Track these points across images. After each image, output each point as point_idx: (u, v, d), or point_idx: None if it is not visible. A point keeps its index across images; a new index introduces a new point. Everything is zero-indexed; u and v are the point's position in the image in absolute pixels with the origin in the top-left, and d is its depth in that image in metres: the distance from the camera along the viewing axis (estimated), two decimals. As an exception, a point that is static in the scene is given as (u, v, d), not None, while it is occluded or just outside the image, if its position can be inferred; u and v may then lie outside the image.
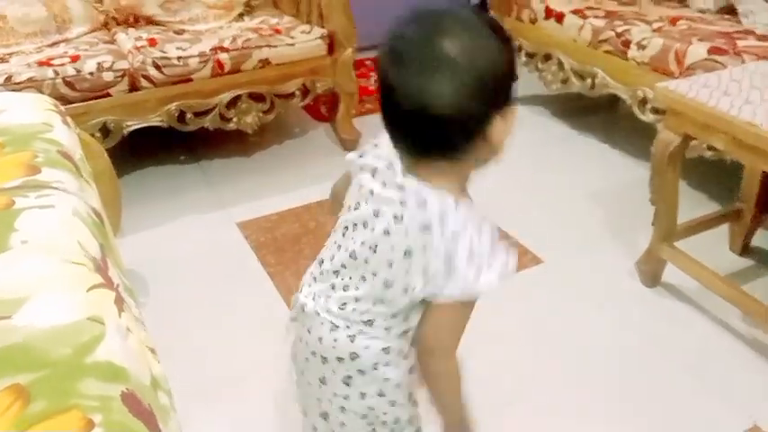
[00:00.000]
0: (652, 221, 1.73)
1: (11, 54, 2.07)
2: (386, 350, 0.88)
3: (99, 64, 2.00)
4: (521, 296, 1.75)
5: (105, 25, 2.39)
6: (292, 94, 2.31)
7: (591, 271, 1.87)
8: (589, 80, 2.35)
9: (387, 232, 0.82)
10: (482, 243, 0.79)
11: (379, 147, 0.88)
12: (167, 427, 0.81)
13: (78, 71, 1.97)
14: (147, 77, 2.05)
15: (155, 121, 2.11)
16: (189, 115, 2.15)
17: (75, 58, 2.00)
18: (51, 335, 0.78)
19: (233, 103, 2.21)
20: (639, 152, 2.40)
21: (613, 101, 2.66)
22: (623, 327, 1.67)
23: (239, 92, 2.20)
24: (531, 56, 2.65)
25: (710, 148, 1.87)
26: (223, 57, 2.14)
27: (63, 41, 2.22)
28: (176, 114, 2.13)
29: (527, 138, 2.55)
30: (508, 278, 0.79)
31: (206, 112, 2.18)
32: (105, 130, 2.04)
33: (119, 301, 0.92)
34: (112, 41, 2.24)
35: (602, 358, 1.58)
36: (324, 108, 2.72)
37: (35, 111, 1.42)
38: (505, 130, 0.78)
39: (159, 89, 2.08)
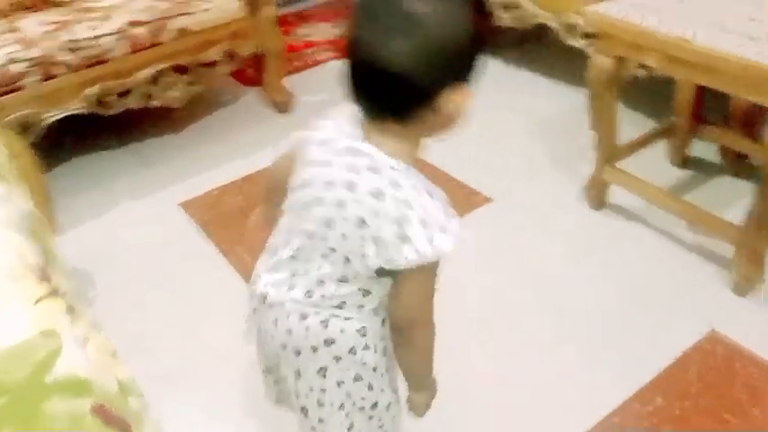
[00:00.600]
0: (594, 146, 1.75)
1: None
2: (361, 331, 0.86)
3: (6, 55, 1.87)
4: (476, 235, 1.77)
5: (3, 14, 2.22)
6: (217, 62, 2.22)
7: (540, 201, 1.89)
8: (516, 11, 2.33)
9: (340, 203, 0.80)
10: (434, 207, 0.78)
11: (327, 119, 0.86)
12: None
13: (-17, 66, 1.83)
14: (60, 63, 1.93)
15: (75, 108, 1.99)
16: (111, 97, 2.04)
17: (-24, 53, 1.86)
18: (4, 357, 0.74)
19: (156, 78, 2.11)
20: (571, 78, 2.41)
21: (540, 30, 2.65)
22: (576, 251, 1.71)
23: (161, 66, 2.10)
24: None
25: (641, 66, 1.89)
26: (138, 31, 2.03)
27: (-40, 35, 2.06)
28: (97, 98, 2.02)
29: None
30: (460, 241, 0.78)
31: (128, 92, 2.07)
32: (23, 125, 1.92)
33: (70, 310, 0.87)
34: (15, 29, 2.09)
35: (559, 283, 1.62)
36: (251, 71, 2.63)
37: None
38: (459, 106, 0.77)
39: (75, 74, 1.96)
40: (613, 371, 1.40)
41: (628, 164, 1.78)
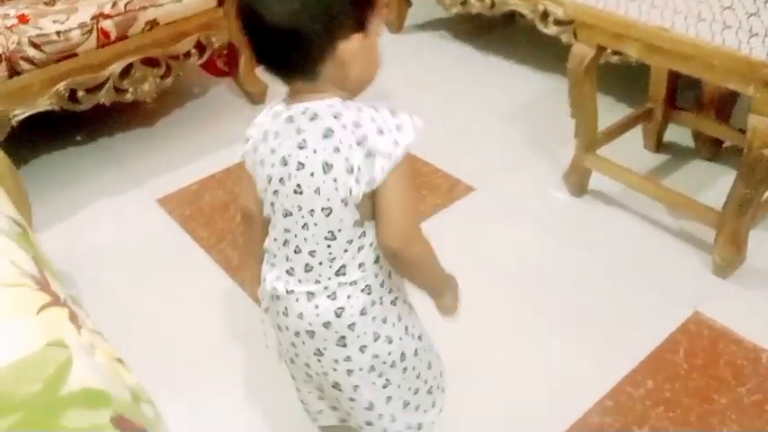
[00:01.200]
0: (574, 133, 1.77)
1: None
2: (366, 290, 0.88)
3: (-33, 51, 1.79)
4: (460, 225, 1.78)
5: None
6: (188, 54, 2.17)
7: (521, 189, 1.91)
8: (488, -1, 2.33)
9: (300, 165, 0.82)
10: (382, 115, 0.82)
11: (258, 117, 0.90)
12: (161, 439, 0.77)
13: (-56, 64, 1.76)
14: (26, 59, 1.86)
15: (44, 105, 1.93)
16: (80, 93, 1.98)
17: (-64, 50, 1.79)
18: (14, 371, 0.71)
19: (126, 72, 2.05)
20: (545, 65, 2.43)
21: (510, 17, 2.66)
22: (559, 238, 1.73)
23: (131, 59, 2.04)
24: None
25: (615, 53, 1.91)
26: (107, 24, 1.97)
27: None
28: (66, 94, 1.95)
29: (433, 64, 2.53)
30: (419, 129, 0.82)
31: (98, 87, 2.01)
32: (-10, 125, 1.85)
33: (73, 317, 0.85)
34: (-26, 24, 2.01)
35: (542, 271, 1.64)
36: (220, 62, 2.58)
37: None
38: (356, 54, 0.79)
39: (42, 70, 1.89)
40: (602, 355, 1.42)
41: (605, 150, 1.81)
